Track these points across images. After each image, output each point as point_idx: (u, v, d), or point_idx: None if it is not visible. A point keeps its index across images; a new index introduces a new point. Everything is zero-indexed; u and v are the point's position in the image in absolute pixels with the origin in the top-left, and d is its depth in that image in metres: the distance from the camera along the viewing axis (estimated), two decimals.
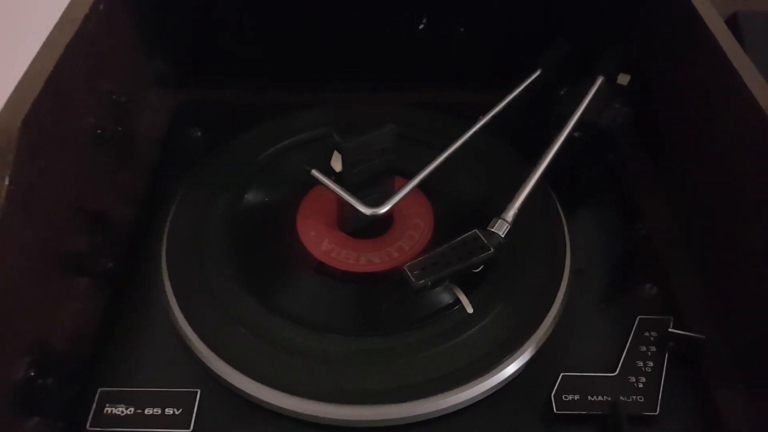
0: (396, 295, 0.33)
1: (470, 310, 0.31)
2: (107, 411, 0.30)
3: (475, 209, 0.36)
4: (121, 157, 0.39)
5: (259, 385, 0.29)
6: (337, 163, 0.32)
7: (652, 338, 0.32)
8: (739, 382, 0.31)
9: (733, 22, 0.46)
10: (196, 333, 0.31)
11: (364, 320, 0.33)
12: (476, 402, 0.30)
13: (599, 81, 0.37)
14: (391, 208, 0.32)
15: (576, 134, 0.36)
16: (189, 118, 0.44)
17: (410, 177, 0.34)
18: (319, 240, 0.36)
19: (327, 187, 0.33)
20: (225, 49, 0.45)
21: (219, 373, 0.30)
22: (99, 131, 0.36)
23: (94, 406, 0.30)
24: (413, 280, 0.31)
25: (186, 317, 0.32)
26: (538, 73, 0.39)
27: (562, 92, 0.38)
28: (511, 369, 0.30)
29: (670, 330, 0.32)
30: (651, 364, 0.31)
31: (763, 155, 0.30)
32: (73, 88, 0.34)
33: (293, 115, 0.42)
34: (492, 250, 0.31)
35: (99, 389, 0.30)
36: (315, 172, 0.33)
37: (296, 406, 0.29)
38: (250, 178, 0.38)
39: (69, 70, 0.33)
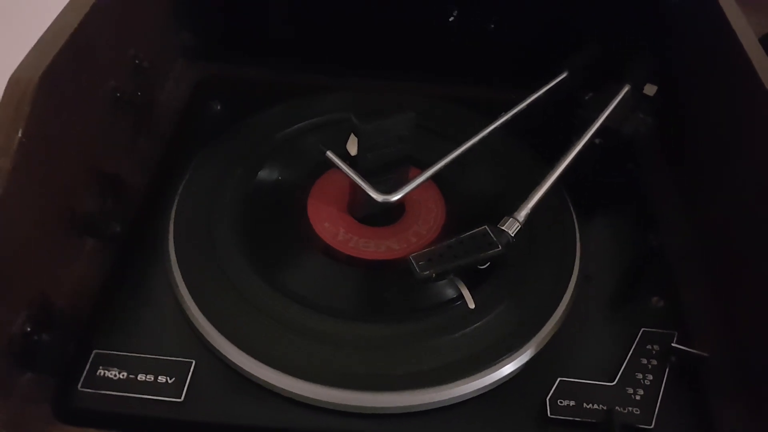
0: (400, 284, 0.33)
1: (472, 306, 0.31)
2: (100, 373, 0.29)
3: (487, 206, 0.36)
4: (138, 123, 0.39)
5: (254, 361, 0.29)
6: (352, 147, 0.32)
7: (654, 351, 0.32)
8: (741, 402, 0.30)
9: (766, 41, 0.45)
10: (197, 304, 0.31)
11: (366, 306, 0.33)
12: (471, 398, 0.29)
13: (625, 89, 0.37)
14: (403, 196, 0.32)
15: (597, 141, 0.35)
16: (210, 91, 0.44)
17: (425, 167, 0.34)
18: (329, 223, 0.36)
19: (340, 169, 0.33)
20: (254, 27, 0.45)
21: (215, 345, 0.30)
22: (118, 94, 0.36)
23: (88, 367, 0.30)
24: (418, 270, 0.30)
25: (188, 287, 0.32)
26: (564, 75, 0.38)
27: (587, 97, 0.37)
28: (508, 368, 0.30)
29: (673, 345, 0.31)
30: (650, 377, 0.31)
31: None
32: (96, 48, 0.33)
33: (313, 97, 0.41)
34: (500, 247, 0.31)
35: (94, 351, 0.30)
36: (330, 154, 0.32)
37: (290, 386, 0.29)
38: (265, 156, 0.38)
39: (93, 28, 0.33)
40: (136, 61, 0.38)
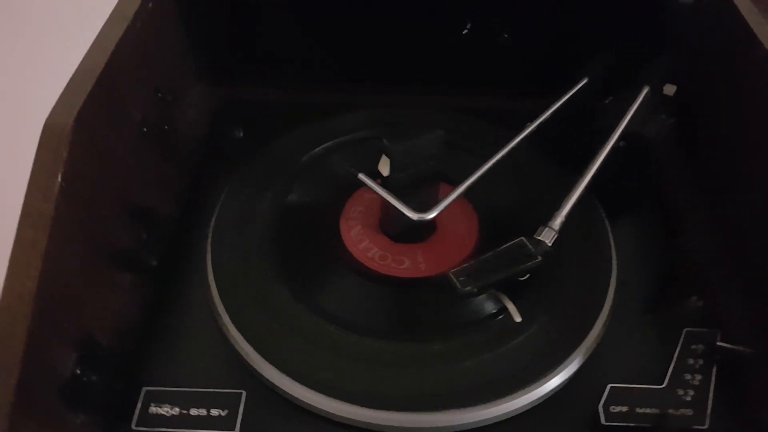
0: (441, 301, 0.33)
1: (518, 319, 0.31)
2: (152, 410, 0.30)
3: (520, 218, 0.36)
4: (165, 154, 0.39)
5: (304, 387, 0.29)
6: (384, 168, 0.32)
7: (699, 351, 0.32)
8: None
9: None
10: (242, 333, 0.31)
11: (409, 325, 0.33)
12: (522, 412, 0.29)
13: (645, 91, 0.37)
14: (438, 213, 0.32)
15: (621, 143, 0.36)
16: (231, 117, 0.44)
17: (452, 182, 0.34)
18: (364, 244, 0.36)
19: (374, 190, 0.33)
20: (270, 49, 0.45)
21: (264, 375, 0.30)
22: (145, 129, 0.36)
23: (140, 405, 0.30)
24: (459, 286, 0.31)
25: (231, 317, 0.32)
26: (584, 82, 0.39)
27: (607, 101, 0.38)
28: (557, 379, 0.30)
29: (718, 343, 0.31)
30: (699, 377, 0.31)
31: None
32: (123, 85, 0.34)
33: (335, 117, 0.42)
34: (539, 258, 0.31)
35: (144, 388, 0.30)
36: (362, 176, 0.33)
37: (345, 411, 0.29)
38: (294, 179, 0.38)
39: (119, 66, 0.33)
40: (159, 94, 0.38)
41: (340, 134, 0.41)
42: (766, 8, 0.37)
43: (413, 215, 0.32)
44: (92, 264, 0.31)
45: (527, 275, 0.32)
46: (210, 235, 0.35)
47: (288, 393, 0.29)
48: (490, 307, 0.33)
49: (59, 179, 0.28)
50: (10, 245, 0.26)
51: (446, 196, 0.33)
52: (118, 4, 0.35)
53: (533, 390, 0.29)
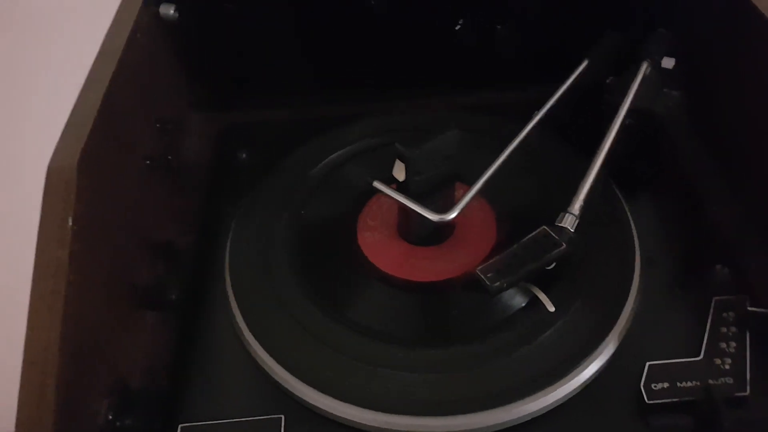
0: (470, 301, 0.33)
1: (552, 309, 0.31)
2: None
3: (535, 207, 0.36)
4: (173, 185, 0.39)
5: (342, 403, 0.29)
6: (399, 173, 0.32)
7: (731, 319, 0.32)
8: None
9: None
10: (273, 357, 0.31)
11: (440, 329, 0.32)
12: (563, 403, 0.29)
13: (644, 66, 0.37)
14: (459, 212, 0.32)
15: (627, 121, 0.36)
16: (233, 140, 0.43)
17: (466, 181, 0.34)
18: (383, 251, 0.35)
19: (391, 197, 0.32)
20: (264, 68, 0.44)
21: (301, 395, 0.29)
22: (148, 162, 0.35)
23: None
24: (488, 283, 0.30)
25: (259, 341, 0.31)
26: (585, 64, 0.39)
27: (608, 81, 0.37)
28: (596, 365, 0.30)
29: (748, 308, 0.32)
30: (734, 344, 0.31)
31: None
32: (122, 120, 0.33)
33: (338, 128, 0.41)
34: (564, 245, 0.31)
35: (180, 426, 0.30)
36: (377, 184, 0.32)
37: (385, 423, 0.28)
38: (306, 195, 0.38)
39: (116, 102, 0.32)
40: (159, 125, 0.38)
41: (348, 144, 0.41)
42: None
43: (434, 217, 0.32)
44: (115, 305, 0.30)
45: (554, 264, 0.32)
46: (227, 260, 0.35)
47: (327, 411, 0.29)
48: (518, 302, 0.32)
49: (70, 223, 0.27)
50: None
51: (462, 194, 0.33)
52: (106, 38, 0.35)
53: (572, 379, 0.29)
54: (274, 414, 0.30)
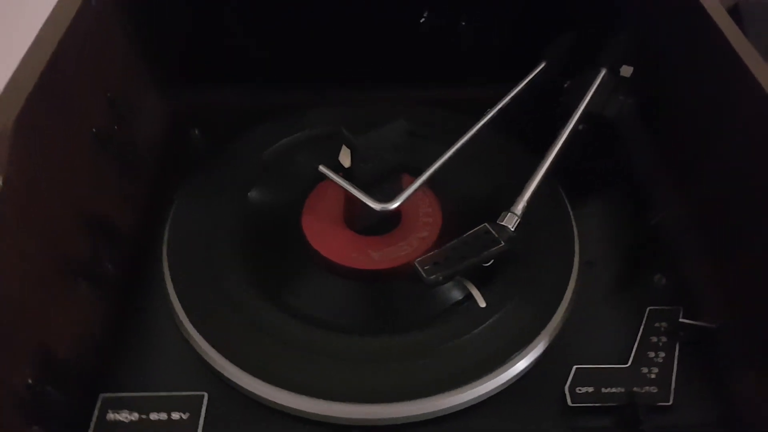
0: (406, 291, 0.33)
1: (483, 305, 0.31)
2: (110, 417, 0.29)
3: (482, 204, 0.36)
4: (121, 160, 0.38)
5: (269, 386, 0.29)
6: (345, 159, 0.32)
7: (662, 329, 0.32)
8: (752, 370, 0.31)
9: (735, 12, 0.46)
10: (202, 335, 0.30)
11: (375, 318, 0.32)
12: (490, 397, 0.29)
13: (602, 73, 0.37)
14: (401, 203, 0.32)
15: (581, 127, 0.36)
16: (188, 120, 0.43)
17: (416, 174, 0.34)
18: (326, 238, 0.35)
19: (336, 182, 0.32)
20: (223, 51, 0.44)
21: (227, 375, 0.29)
22: (94, 130, 0.35)
23: (96, 412, 0.29)
24: (425, 275, 0.30)
25: (191, 319, 0.31)
26: (542, 65, 0.39)
27: (566, 85, 0.38)
28: (524, 363, 0.30)
29: (680, 320, 0.32)
30: (663, 354, 0.31)
31: None
32: (68, 87, 0.33)
33: (293, 114, 0.41)
34: (503, 243, 0.31)
35: (101, 395, 0.29)
36: (323, 168, 0.32)
37: (307, 406, 0.28)
38: (252, 177, 0.38)
39: (62, 67, 0.32)
40: (111, 100, 0.37)
41: (297, 131, 0.40)
42: None
43: (376, 206, 0.32)
44: (44, 273, 0.30)
45: (492, 261, 0.32)
46: (165, 238, 0.34)
47: (251, 392, 0.29)
48: (455, 296, 0.32)
49: (0, 183, 0.27)
50: None
51: (409, 185, 0.33)
52: (58, 4, 0.34)
53: (500, 375, 0.29)
54: (199, 391, 0.29)
